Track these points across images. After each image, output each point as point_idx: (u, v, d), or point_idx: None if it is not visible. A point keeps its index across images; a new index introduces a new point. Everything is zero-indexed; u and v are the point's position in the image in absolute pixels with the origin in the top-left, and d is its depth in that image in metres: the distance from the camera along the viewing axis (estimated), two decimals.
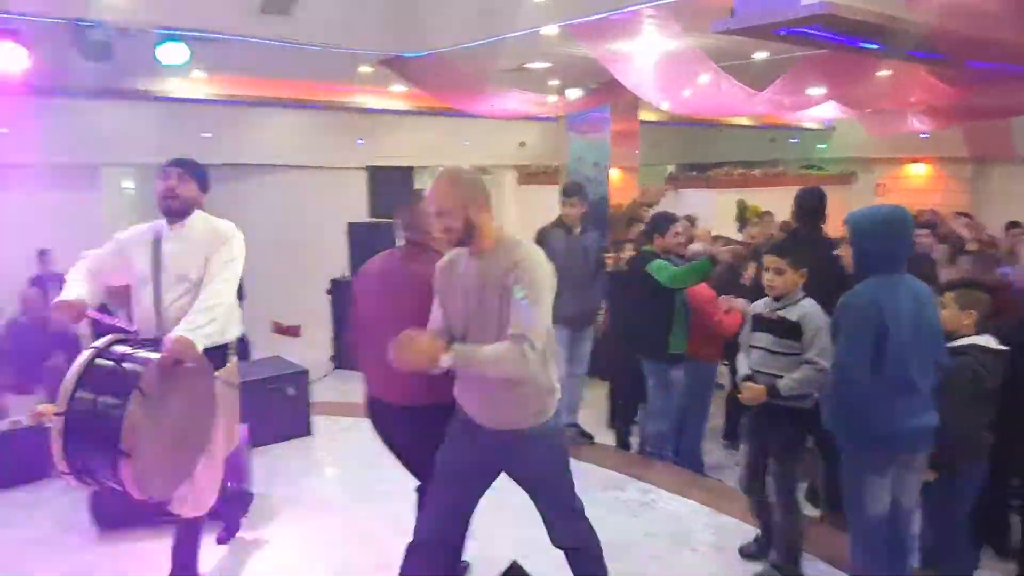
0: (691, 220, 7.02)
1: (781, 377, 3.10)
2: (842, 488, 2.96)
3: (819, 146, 14.40)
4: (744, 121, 12.02)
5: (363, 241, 6.98)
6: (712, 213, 11.68)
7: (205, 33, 5.73)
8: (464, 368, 2.41)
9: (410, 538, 2.82)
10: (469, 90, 7.85)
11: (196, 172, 3.19)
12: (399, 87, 9.17)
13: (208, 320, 2.76)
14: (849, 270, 2.93)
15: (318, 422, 5.33)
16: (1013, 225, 6.96)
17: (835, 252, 4.04)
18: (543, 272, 2.42)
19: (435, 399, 2.70)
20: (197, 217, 3.13)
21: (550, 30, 5.73)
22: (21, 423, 4.42)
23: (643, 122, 9.96)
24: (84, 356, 2.58)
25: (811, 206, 4.23)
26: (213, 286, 2.87)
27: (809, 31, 4.59)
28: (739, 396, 3.25)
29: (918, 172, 13.69)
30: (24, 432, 4.36)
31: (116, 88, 8.26)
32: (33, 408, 4.44)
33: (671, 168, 14.75)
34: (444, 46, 6.30)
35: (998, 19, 4.40)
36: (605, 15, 5.24)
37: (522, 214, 10.85)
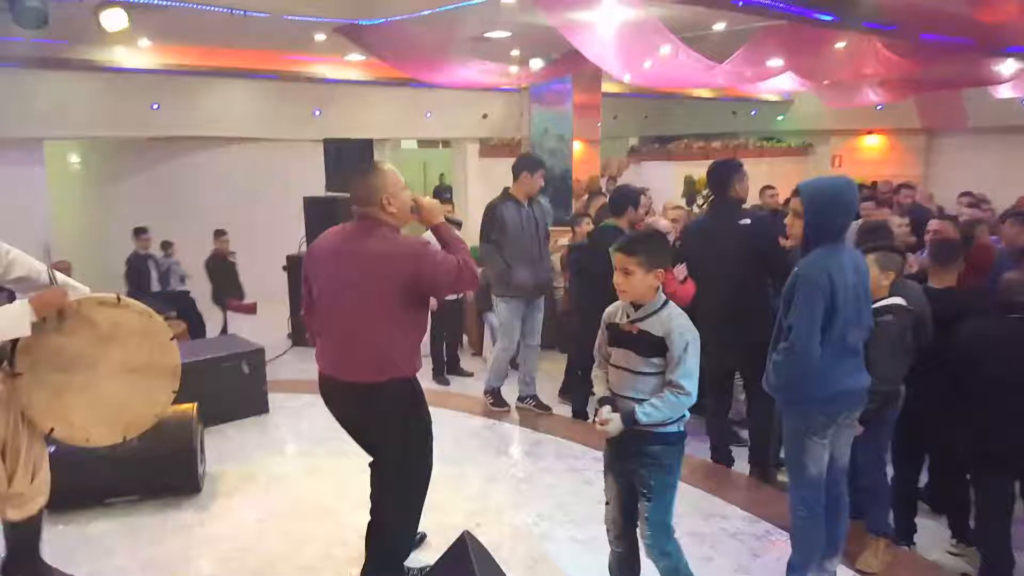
0: (644, 193, 7.08)
1: (644, 400, 2.54)
2: (784, 448, 3.06)
3: (778, 118, 14.57)
4: (705, 93, 12.07)
5: (320, 216, 6.86)
6: (672, 186, 11.79)
7: (150, 0, 5.51)
8: None
9: (367, 513, 2.84)
10: (428, 60, 7.70)
11: None
12: (356, 56, 8.97)
13: None
14: (795, 240, 2.96)
15: (275, 400, 5.25)
16: (965, 194, 7.12)
17: (745, 222, 4.11)
18: None
19: (385, 376, 2.67)
20: None
21: None
22: None
23: (605, 94, 9.93)
24: None
25: (717, 177, 4.21)
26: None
27: (768, 1, 4.59)
28: (595, 425, 2.64)
29: (873, 144, 13.97)
30: None
31: (56, 58, 7.94)
32: None
33: (633, 141, 14.78)
34: (401, 13, 6.17)
35: None
36: None
37: (483, 188, 10.78)
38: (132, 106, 8.92)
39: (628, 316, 2.62)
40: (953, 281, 3.70)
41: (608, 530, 2.75)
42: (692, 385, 2.51)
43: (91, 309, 2.70)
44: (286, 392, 5.48)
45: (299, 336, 7.21)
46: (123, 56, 8.52)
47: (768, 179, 8.60)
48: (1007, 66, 8.32)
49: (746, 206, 4.44)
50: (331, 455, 4.19)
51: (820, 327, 2.76)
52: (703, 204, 10.32)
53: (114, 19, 5.71)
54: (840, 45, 7.50)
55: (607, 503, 2.74)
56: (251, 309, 7.63)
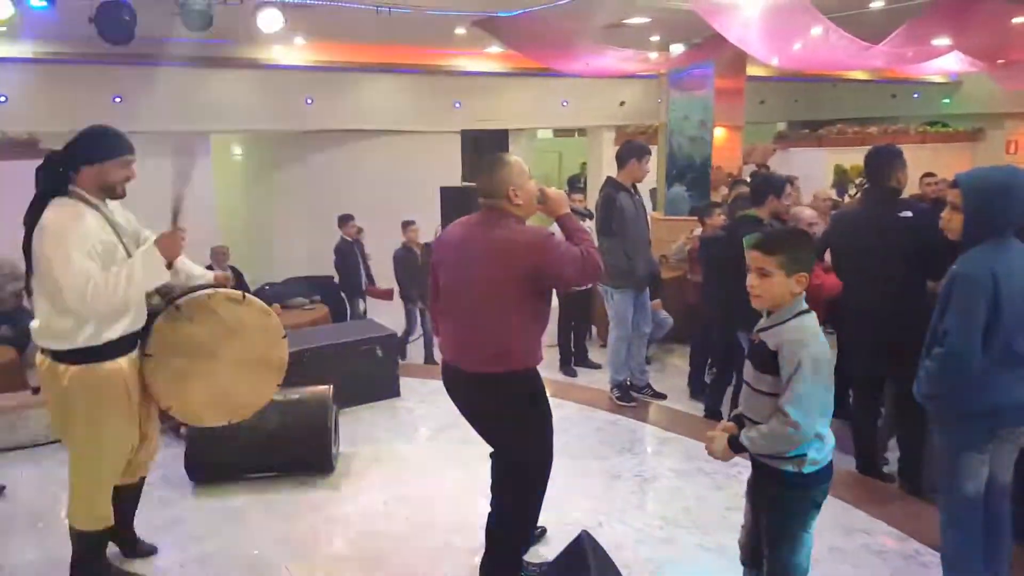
0: (791, 182, 6.72)
1: (759, 424, 2.28)
2: (937, 464, 2.81)
3: (943, 101, 13.32)
4: (861, 75, 11.23)
5: (455, 205, 7.04)
6: (822, 174, 11.09)
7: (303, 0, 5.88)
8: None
9: (488, 503, 2.89)
10: (563, 49, 7.69)
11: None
12: (495, 48, 9.13)
13: None
14: (954, 236, 2.70)
15: (407, 384, 5.44)
16: None
17: (906, 215, 3.78)
18: None
19: (505, 367, 2.69)
20: None
21: None
22: None
23: (750, 77, 9.46)
24: None
25: (876, 164, 3.87)
26: None
27: None
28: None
29: None
30: None
31: (220, 57, 8.65)
32: None
33: (781, 126, 14.03)
34: (539, 4, 6.19)
35: None
36: None
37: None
38: (288, 101, 9.58)
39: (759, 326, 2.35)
40: None
41: (740, 547, 2.56)
42: (802, 416, 2.14)
43: (219, 304, 2.93)
44: (417, 377, 5.69)
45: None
46: (280, 54, 9.17)
47: (932, 167, 7.88)
48: None
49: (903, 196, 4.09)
50: (456, 442, 4.29)
51: (981, 331, 2.53)
52: (856, 193, 9.64)
53: (270, 20, 6.15)
54: (1019, 20, 6.72)
55: (743, 524, 2.54)
56: (389, 296, 7.97)
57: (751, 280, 2.31)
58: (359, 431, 4.68)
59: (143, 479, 3.18)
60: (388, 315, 6.91)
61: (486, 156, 2.90)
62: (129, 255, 2.74)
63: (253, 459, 3.92)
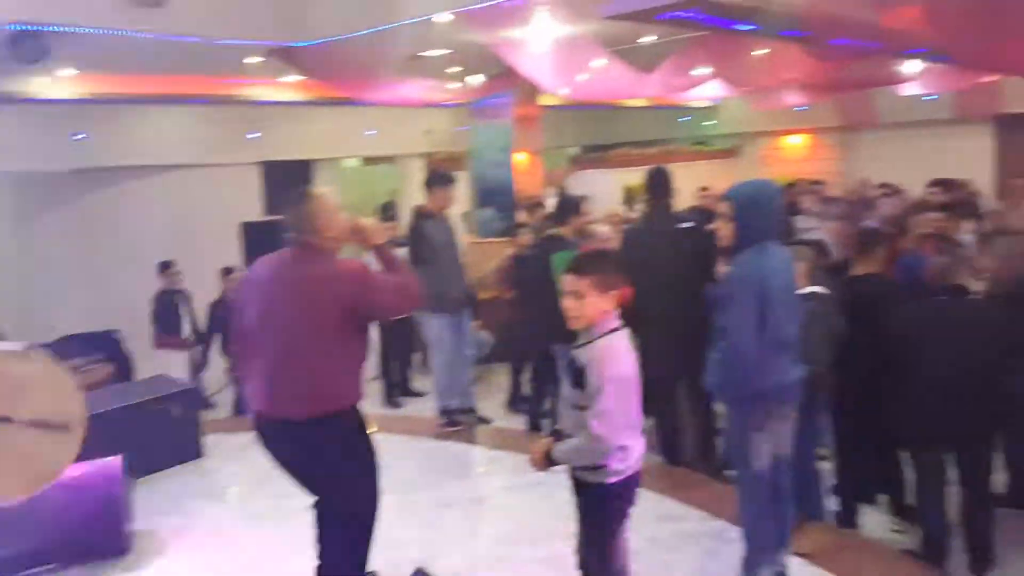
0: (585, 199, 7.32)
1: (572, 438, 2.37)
2: (730, 447, 3.18)
3: (707, 123, 15.01)
4: (639, 103, 12.36)
5: (259, 241, 6.77)
6: (612, 192, 12.00)
7: (70, 28, 5.36)
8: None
9: (313, 558, 2.75)
10: (365, 79, 7.69)
11: None
12: (292, 77, 8.88)
13: None
14: (727, 242, 3.10)
15: (212, 442, 5.02)
16: (883, 186, 7.53)
17: (687, 225, 4.29)
18: None
19: (325, 408, 2.60)
20: None
21: (442, 18, 5.70)
22: None
23: (545, 106, 10.08)
24: None
25: (657, 183, 4.36)
26: None
27: (689, 14, 4.78)
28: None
29: (796, 143, 14.58)
30: None
31: None
32: None
33: (575, 150, 15.02)
34: (335, 34, 6.15)
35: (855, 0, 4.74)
36: (496, 2, 5.26)
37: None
38: (55, 137, 8.61)
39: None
40: (876, 267, 3.91)
41: (575, 554, 2.61)
42: (605, 429, 2.24)
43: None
44: (224, 432, 5.25)
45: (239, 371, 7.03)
46: (44, 87, 8.22)
47: (701, 182, 8.88)
48: (910, 66, 8.86)
49: (683, 208, 4.62)
50: (274, 497, 4.02)
51: (755, 324, 2.90)
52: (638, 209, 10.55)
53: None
54: (762, 52, 7.82)
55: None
56: (186, 345, 7.28)
57: (567, 303, 2.38)
58: (158, 502, 4.20)
59: None
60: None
61: (293, 189, 2.82)
62: None
63: (29, 551, 3.37)
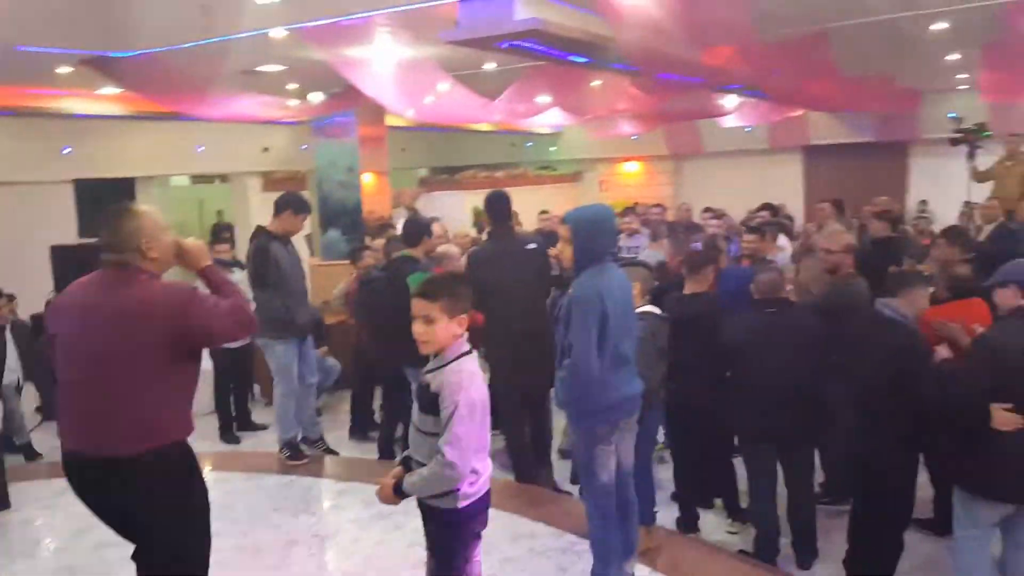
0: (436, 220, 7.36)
1: (423, 464, 2.32)
2: (575, 460, 3.28)
3: (551, 149, 15.63)
4: (486, 127, 12.62)
5: (72, 266, 6.10)
6: (462, 214, 12.13)
7: None
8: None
9: None
10: (192, 94, 7.23)
11: None
12: (111, 89, 8.18)
13: None
14: (567, 264, 3.22)
15: (20, 490, 4.53)
16: (707, 210, 8.18)
17: (531, 247, 4.46)
18: None
19: (148, 444, 2.36)
20: None
21: (278, 33, 5.50)
22: None
23: (392, 127, 9.99)
24: None
25: (500, 207, 4.48)
26: None
27: (526, 45, 4.94)
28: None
29: (632, 169, 15.57)
30: None
31: None
32: None
33: (423, 171, 15.02)
34: (158, 45, 5.74)
35: (675, 38, 5.13)
36: (334, 20, 5.15)
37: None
38: None
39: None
40: (706, 286, 4.22)
41: None
42: (458, 456, 2.21)
43: None
44: (35, 480, 4.77)
45: (50, 410, 6.33)
46: None
47: (546, 205, 9.19)
48: (730, 100, 9.74)
49: (527, 230, 4.76)
50: (92, 549, 3.69)
51: (596, 342, 3.02)
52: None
53: None
54: (596, 83, 8.27)
55: None
56: None
57: (417, 328, 2.33)
58: None
59: None
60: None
61: (110, 207, 2.56)
62: None
63: None
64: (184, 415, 2.52)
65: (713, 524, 4.25)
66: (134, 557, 2.50)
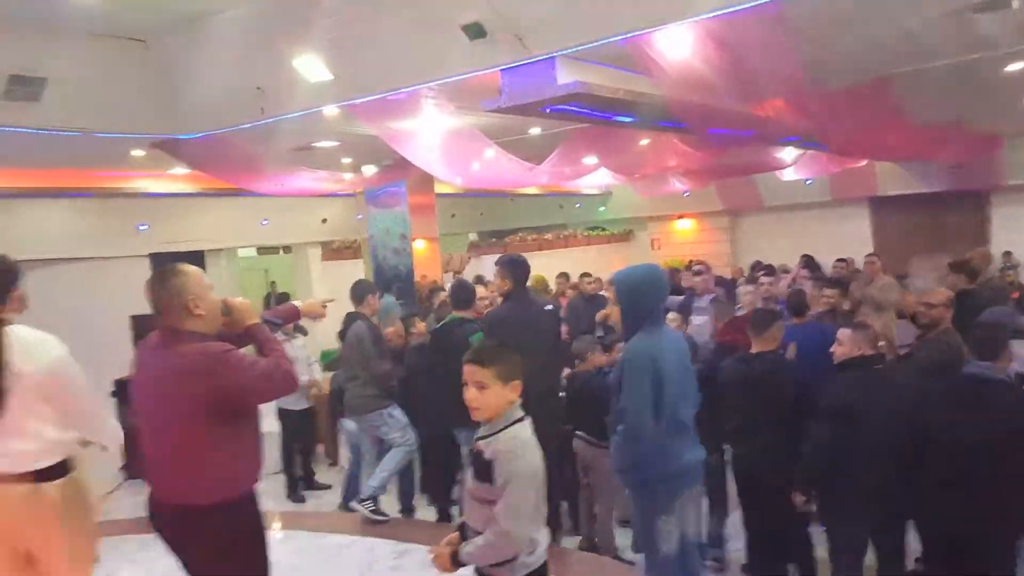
0: (480, 280, 7.54)
1: (479, 531, 2.27)
2: (636, 531, 3.15)
3: (600, 209, 15.69)
4: (532, 190, 12.83)
5: (150, 333, 6.39)
6: None
7: None
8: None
9: None
10: (253, 171, 7.61)
11: None
12: (181, 169, 8.69)
13: None
14: (617, 325, 3.19)
15: (107, 545, 4.64)
16: (756, 265, 8.02)
17: (549, 307, 4.59)
18: None
19: (209, 498, 2.47)
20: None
21: (330, 111, 5.76)
22: None
23: (440, 194, 10.27)
24: None
25: (519, 272, 4.52)
26: None
27: (570, 108, 5.03)
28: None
29: (685, 227, 15.39)
30: None
31: None
32: None
33: (472, 236, 15.29)
34: (220, 127, 6.09)
35: (723, 92, 5.11)
36: (382, 95, 5.37)
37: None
38: None
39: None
40: (773, 345, 3.93)
41: None
42: (514, 524, 2.17)
43: None
44: (119, 534, 4.84)
45: (135, 468, 6.55)
46: None
47: (596, 265, 9.21)
48: (788, 153, 9.61)
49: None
50: None
51: (651, 406, 2.95)
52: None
53: None
54: (644, 142, 8.32)
55: None
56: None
57: (469, 394, 2.30)
58: None
59: None
60: None
61: (156, 271, 2.68)
62: None
63: None
64: (243, 471, 2.59)
65: None
66: None
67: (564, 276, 8.46)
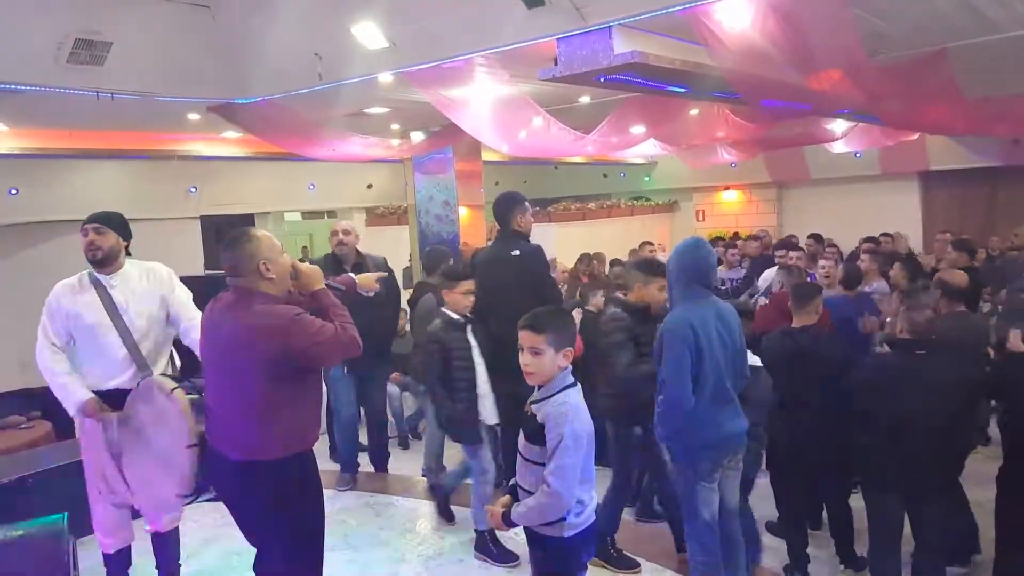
0: None
1: (530, 492, 2.39)
2: (679, 497, 3.22)
3: (645, 179, 15.51)
4: (578, 159, 12.74)
5: (199, 295, 6.59)
6: (553, 245, 12.23)
7: (6, 86, 5.26)
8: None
9: None
10: (306, 136, 7.72)
11: (111, 223, 3.56)
12: (233, 133, 8.85)
13: None
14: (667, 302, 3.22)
15: None
16: (812, 236, 7.91)
17: (515, 252, 4.48)
18: None
19: (264, 455, 2.59)
20: (129, 263, 3.59)
21: (385, 78, 5.81)
22: None
23: (486, 162, 10.28)
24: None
25: (501, 211, 4.59)
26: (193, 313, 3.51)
27: (624, 78, 4.99)
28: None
29: (731, 198, 15.15)
30: None
31: None
32: None
33: None
34: (276, 92, 6.19)
35: (780, 64, 5.02)
36: (438, 63, 5.39)
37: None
38: None
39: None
40: (815, 319, 3.97)
41: None
42: (562, 485, 2.27)
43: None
44: None
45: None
46: None
47: (641, 235, 9.16)
48: (838, 125, 9.38)
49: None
50: (222, 556, 3.97)
51: (690, 375, 2.99)
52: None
53: None
54: (694, 112, 8.20)
55: None
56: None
57: (524, 359, 2.40)
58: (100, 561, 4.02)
59: None
60: None
61: (230, 233, 2.77)
62: None
63: None
64: (300, 430, 2.69)
65: (823, 571, 4.00)
66: (255, 567, 2.71)
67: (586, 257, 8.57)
